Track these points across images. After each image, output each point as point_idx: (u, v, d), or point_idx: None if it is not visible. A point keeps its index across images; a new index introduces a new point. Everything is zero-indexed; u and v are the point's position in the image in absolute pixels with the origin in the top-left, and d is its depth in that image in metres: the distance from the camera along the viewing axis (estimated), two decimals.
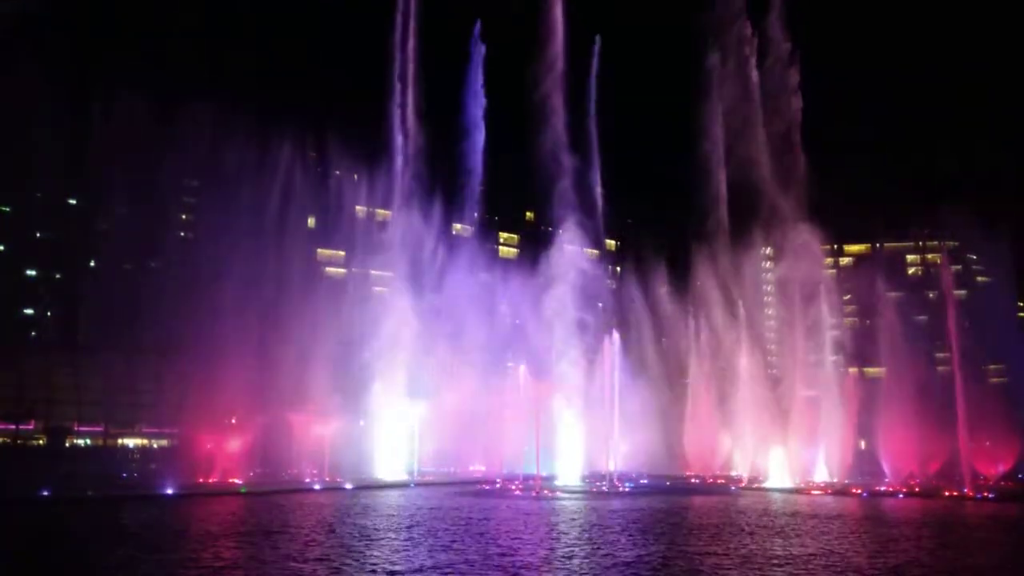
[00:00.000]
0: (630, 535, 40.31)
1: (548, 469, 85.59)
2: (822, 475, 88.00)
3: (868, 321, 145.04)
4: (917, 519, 53.15)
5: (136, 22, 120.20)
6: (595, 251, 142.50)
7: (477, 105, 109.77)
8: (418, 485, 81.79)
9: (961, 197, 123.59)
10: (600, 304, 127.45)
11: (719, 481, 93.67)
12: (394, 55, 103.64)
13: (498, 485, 78.56)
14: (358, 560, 30.68)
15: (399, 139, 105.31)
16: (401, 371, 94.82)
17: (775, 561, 31.28)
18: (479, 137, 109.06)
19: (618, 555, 32.27)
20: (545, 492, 72.04)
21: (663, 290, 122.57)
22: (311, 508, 54.72)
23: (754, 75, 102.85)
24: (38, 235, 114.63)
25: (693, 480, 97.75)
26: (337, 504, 58.60)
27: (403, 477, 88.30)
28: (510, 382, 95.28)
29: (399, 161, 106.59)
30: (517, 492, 72.76)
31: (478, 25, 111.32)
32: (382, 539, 37.64)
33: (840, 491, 77.77)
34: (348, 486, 76.52)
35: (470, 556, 31.31)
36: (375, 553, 32.70)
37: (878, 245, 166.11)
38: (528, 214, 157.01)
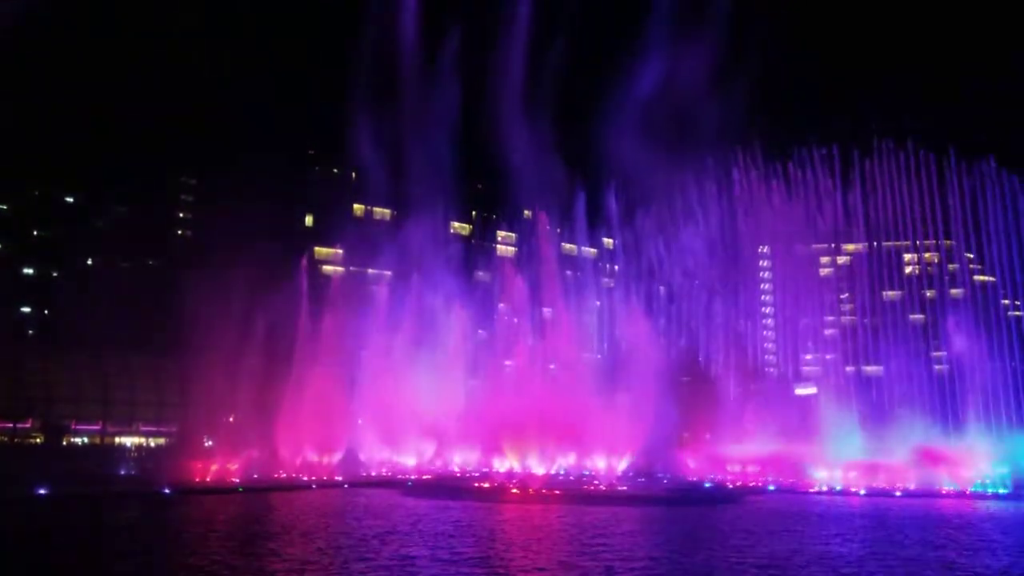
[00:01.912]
0: None
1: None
2: (820, 475, 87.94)
3: (866, 319, 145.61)
4: None
5: (136, 22, 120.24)
6: (593, 249, 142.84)
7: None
8: (415, 483, 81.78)
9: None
10: (598, 302, 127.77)
11: (714, 481, 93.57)
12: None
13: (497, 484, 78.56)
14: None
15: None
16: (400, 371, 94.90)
17: None
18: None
19: None
20: (543, 492, 71.87)
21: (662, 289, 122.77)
22: (304, 507, 54.78)
23: None
24: (36, 234, 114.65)
25: (691, 479, 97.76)
26: (328, 503, 58.70)
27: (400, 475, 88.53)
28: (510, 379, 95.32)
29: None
30: (515, 491, 72.66)
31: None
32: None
33: (840, 491, 77.89)
34: (345, 485, 76.86)
35: None
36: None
37: (875, 244, 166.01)
38: (526, 212, 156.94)
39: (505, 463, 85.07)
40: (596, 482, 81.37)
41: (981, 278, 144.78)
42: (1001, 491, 73.59)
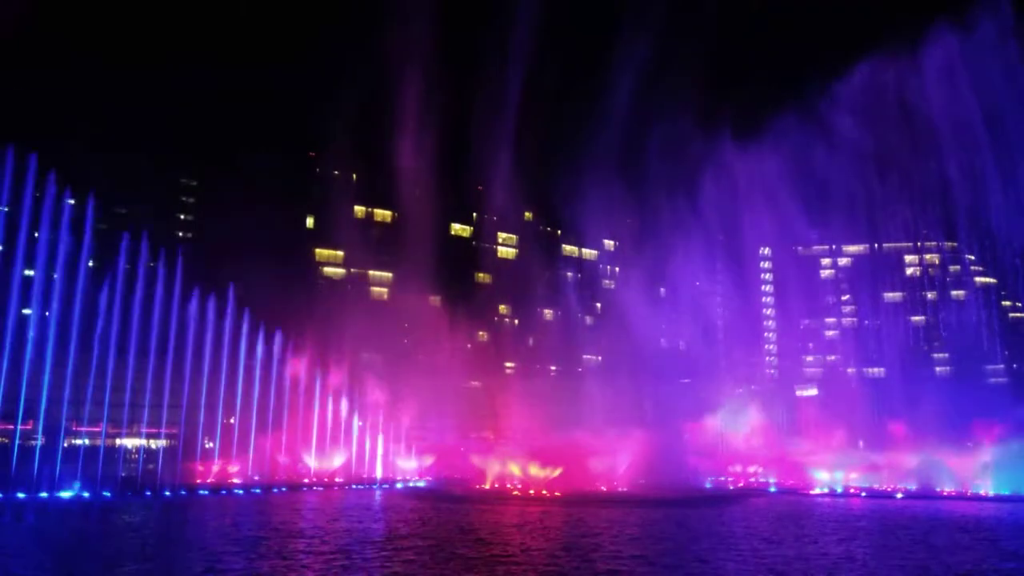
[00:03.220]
0: None
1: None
2: (821, 476, 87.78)
3: (867, 321, 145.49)
4: None
5: (136, 22, 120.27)
6: (594, 251, 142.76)
7: None
8: (415, 486, 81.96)
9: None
10: (598, 304, 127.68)
11: (715, 482, 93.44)
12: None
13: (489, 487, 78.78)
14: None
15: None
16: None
17: None
18: None
19: None
20: (543, 494, 71.84)
21: (661, 290, 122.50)
22: (305, 508, 54.81)
23: None
24: (36, 235, 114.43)
25: (692, 480, 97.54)
26: (329, 504, 58.71)
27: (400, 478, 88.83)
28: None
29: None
30: (516, 492, 72.65)
31: None
32: None
33: (841, 493, 77.92)
34: (347, 487, 77.11)
35: None
36: None
37: (877, 245, 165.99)
38: (527, 214, 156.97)
39: (505, 467, 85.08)
40: (597, 483, 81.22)
41: (983, 280, 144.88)
42: (1002, 493, 73.56)
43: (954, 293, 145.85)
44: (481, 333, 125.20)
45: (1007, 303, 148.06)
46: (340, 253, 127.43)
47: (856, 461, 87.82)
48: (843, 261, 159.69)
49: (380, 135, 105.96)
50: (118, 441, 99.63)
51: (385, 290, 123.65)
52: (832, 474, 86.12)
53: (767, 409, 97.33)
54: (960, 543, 40.00)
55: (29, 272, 75.76)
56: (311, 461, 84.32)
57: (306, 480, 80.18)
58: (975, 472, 77.53)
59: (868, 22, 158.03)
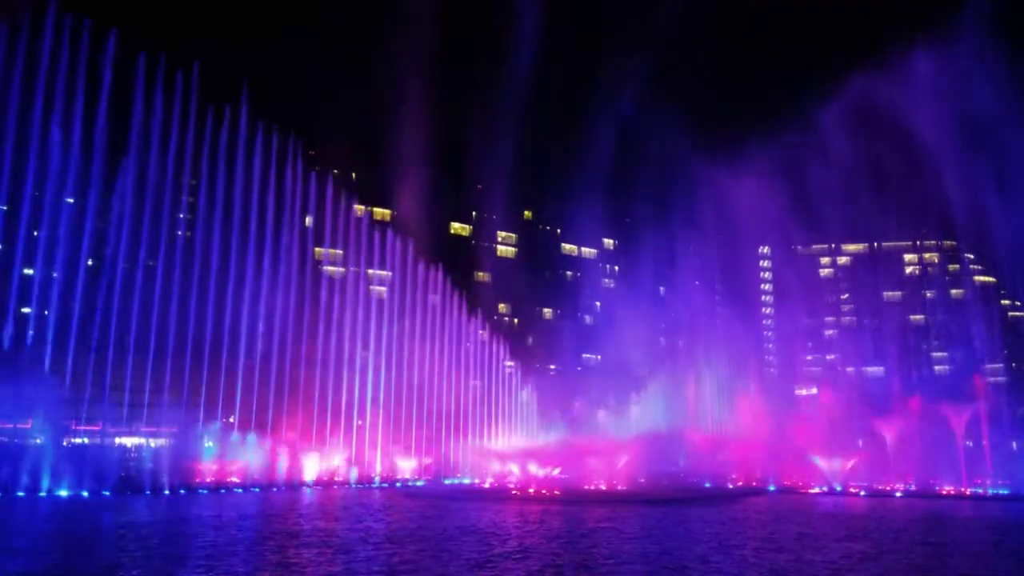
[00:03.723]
0: None
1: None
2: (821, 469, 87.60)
3: (867, 320, 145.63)
4: None
5: (136, 19, 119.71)
6: (593, 250, 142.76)
7: None
8: (414, 485, 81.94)
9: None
10: (598, 303, 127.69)
11: (714, 481, 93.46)
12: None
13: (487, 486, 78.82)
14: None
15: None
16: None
17: None
18: None
19: None
20: (542, 493, 71.84)
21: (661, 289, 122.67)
22: (305, 507, 54.85)
23: None
24: (36, 234, 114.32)
25: (691, 479, 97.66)
26: (329, 503, 58.77)
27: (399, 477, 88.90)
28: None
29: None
30: (515, 492, 72.60)
31: None
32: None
33: (841, 492, 77.93)
34: (347, 485, 77.12)
35: None
36: None
37: (876, 244, 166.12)
38: (527, 213, 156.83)
39: (504, 466, 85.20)
40: (595, 482, 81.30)
41: (982, 279, 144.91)
42: (1001, 492, 73.60)
43: (953, 292, 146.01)
44: (480, 332, 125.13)
45: (1006, 302, 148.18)
46: (339, 252, 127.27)
47: (855, 461, 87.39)
48: (842, 260, 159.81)
49: (380, 134, 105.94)
50: (117, 440, 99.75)
51: (384, 289, 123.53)
52: (831, 462, 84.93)
53: (767, 407, 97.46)
54: (960, 541, 40.02)
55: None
56: (312, 459, 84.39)
57: (305, 479, 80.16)
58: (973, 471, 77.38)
59: (868, 22, 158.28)
